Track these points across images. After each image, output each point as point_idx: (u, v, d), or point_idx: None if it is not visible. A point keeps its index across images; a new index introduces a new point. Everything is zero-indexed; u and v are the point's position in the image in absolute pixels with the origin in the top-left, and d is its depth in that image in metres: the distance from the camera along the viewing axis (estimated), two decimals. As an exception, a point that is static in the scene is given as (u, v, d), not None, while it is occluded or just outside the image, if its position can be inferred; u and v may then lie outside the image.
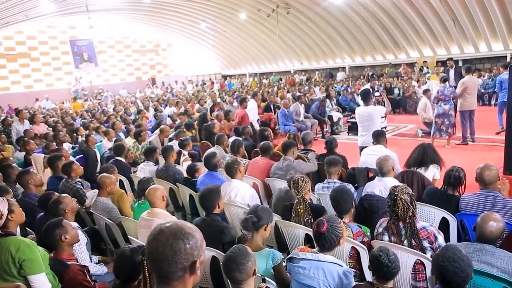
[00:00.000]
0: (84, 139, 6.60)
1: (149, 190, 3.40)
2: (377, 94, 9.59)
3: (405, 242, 2.65)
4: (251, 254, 2.10)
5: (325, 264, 2.33)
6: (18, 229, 3.02)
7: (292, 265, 2.42)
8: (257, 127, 8.64)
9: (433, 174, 4.13)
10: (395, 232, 2.71)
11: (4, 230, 2.62)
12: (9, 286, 2.11)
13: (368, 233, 3.02)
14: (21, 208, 2.89)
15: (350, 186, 4.07)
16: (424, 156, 4.10)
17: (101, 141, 7.49)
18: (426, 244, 2.62)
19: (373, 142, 4.95)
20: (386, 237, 2.77)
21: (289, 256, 2.48)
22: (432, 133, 7.99)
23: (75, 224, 3.27)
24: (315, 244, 2.51)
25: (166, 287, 1.30)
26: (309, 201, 3.43)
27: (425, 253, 2.60)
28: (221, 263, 2.72)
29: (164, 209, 3.44)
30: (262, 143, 5.33)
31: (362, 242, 2.89)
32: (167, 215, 3.40)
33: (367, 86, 10.18)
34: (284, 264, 2.55)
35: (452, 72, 10.40)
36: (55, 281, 2.60)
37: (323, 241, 2.39)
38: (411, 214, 2.62)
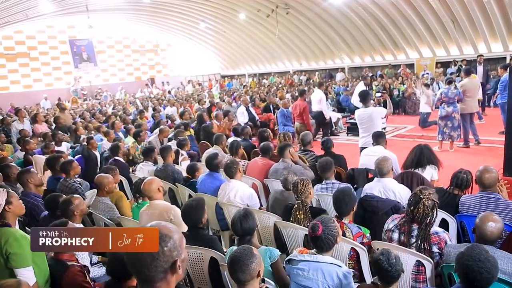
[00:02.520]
0: (86, 142, 6.52)
1: (144, 185, 3.41)
2: (378, 95, 9.58)
3: (414, 244, 2.63)
4: (256, 255, 2.07)
5: (324, 265, 2.32)
6: (17, 224, 3.02)
7: (291, 267, 2.42)
8: (327, 116, 9.27)
9: (430, 175, 4.12)
10: (405, 232, 2.69)
11: (1, 221, 2.61)
12: (11, 282, 2.11)
13: (368, 234, 3.01)
14: (21, 201, 2.88)
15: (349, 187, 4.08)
16: (421, 156, 4.10)
17: (101, 140, 7.48)
18: (435, 249, 2.61)
19: (372, 143, 4.95)
20: (396, 235, 2.75)
21: (288, 258, 2.47)
22: (437, 136, 7.82)
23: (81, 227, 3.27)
24: (312, 246, 2.50)
25: None
26: (310, 205, 3.40)
27: (432, 258, 2.58)
28: (220, 264, 2.73)
29: (162, 199, 3.44)
30: (261, 144, 5.33)
31: (362, 243, 2.88)
32: (167, 205, 3.41)
33: (361, 85, 10.13)
34: (283, 265, 2.53)
35: (480, 69, 10.31)
36: (45, 270, 2.61)
37: (321, 243, 2.38)
38: (428, 221, 2.60)
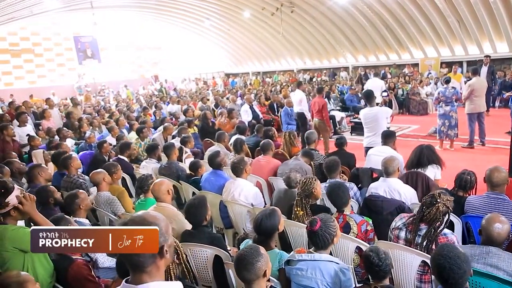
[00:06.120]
0: (97, 146, 6.40)
1: (154, 186, 3.41)
2: (384, 94, 9.52)
3: (420, 243, 2.59)
4: (263, 254, 2.05)
5: (321, 263, 2.35)
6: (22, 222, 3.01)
7: (290, 268, 2.43)
8: (308, 116, 8.64)
9: (433, 174, 4.09)
10: (412, 230, 2.65)
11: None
12: (13, 274, 2.10)
13: (371, 222, 3.04)
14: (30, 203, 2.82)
15: (353, 186, 4.07)
16: (421, 156, 4.04)
17: (108, 135, 7.48)
18: None
19: (381, 143, 4.91)
20: (403, 233, 2.71)
21: (287, 259, 2.47)
22: (436, 136, 7.93)
23: (86, 222, 3.28)
24: (310, 243, 2.51)
25: (140, 273, 1.39)
26: (314, 203, 3.38)
27: None
28: (224, 262, 2.73)
29: (170, 203, 3.45)
30: (262, 142, 5.31)
31: (366, 230, 2.93)
32: (173, 210, 3.41)
33: (376, 81, 9.93)
34: (282, 266, 2.52)
35: (484, 70, 10.30)
36: (49, 266, 2.61)
37: (317, 239, 2.40)
38: (437, 225, 2.54)
